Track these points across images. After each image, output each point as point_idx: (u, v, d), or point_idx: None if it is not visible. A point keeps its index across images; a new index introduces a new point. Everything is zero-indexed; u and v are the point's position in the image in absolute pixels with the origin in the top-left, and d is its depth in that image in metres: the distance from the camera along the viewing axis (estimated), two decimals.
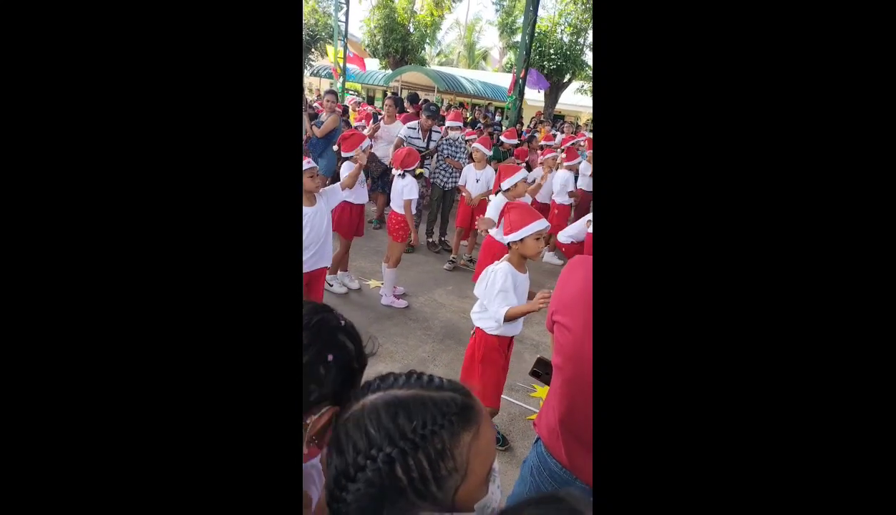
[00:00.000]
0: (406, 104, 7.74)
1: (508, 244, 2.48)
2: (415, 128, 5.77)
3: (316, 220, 3.18)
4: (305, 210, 3.15)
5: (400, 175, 4.34)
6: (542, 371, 1.66)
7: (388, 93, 6.61)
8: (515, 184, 3.93)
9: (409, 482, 0.58)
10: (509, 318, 2.37)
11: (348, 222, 4.28)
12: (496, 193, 4.12)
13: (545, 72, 17.61)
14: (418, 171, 4.46)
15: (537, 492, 1.16)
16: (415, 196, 4.28)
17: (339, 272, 4.51)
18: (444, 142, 5.84)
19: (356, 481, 0.59)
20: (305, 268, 3.22)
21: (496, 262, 2.55)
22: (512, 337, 2.61)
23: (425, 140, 5.79)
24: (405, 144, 5.46)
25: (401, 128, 5.89)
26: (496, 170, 4.76)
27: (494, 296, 2.41)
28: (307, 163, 3.16)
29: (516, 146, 7.06)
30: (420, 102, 5.92)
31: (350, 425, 0.62)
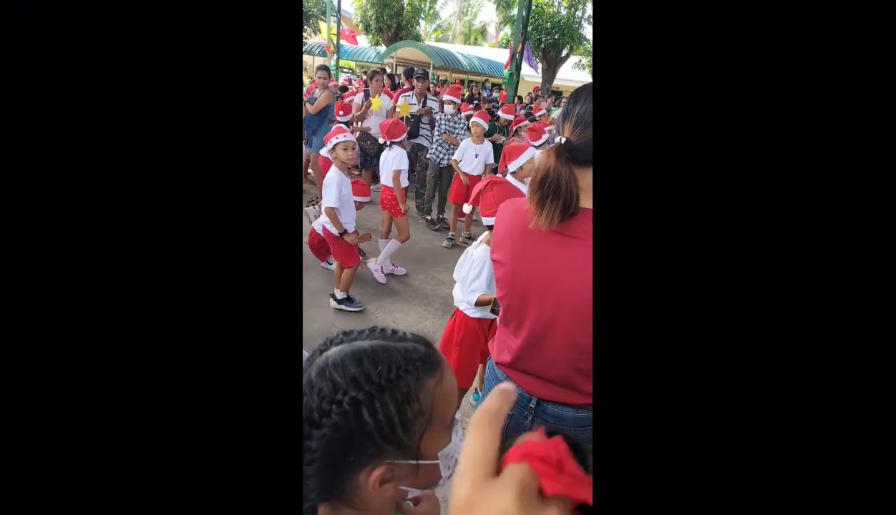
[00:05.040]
0: (403, 79, 7.73)
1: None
2: (409, 95, 5.80)
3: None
4: (342, 178, 3.45)
5: (388, 146, 4.29)
6: (497, 307, 1.84)
7: (387, 71, 6.65)
8: (522, 166, 3.75)
9: (375, 425, 0.59)
10: (480, 304, 2.35)
11: None
12: (502, 174, 4.00)
13: (542, 46, 17.42)
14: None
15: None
16: (404, 166, 4.23)
17: None
18: (443, 117, 5.80)
19: (321, 427, 0.59)
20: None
21: (473, 243, 2.48)
22: (493, 321, 2.44)
23: (420, 103, 5.84)
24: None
25: (389, 103, 5.96)
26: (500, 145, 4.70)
27: (465, 277, 2.37)
28: (344, 136, 3.42)
29: (512, 122, 6.99)
30: (414, 76, 6.04)
31: (313, 374, 0.63)
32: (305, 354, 0.75)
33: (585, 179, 1.09)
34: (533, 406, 1.27)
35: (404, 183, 4.35)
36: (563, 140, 1.08)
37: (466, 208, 3.58)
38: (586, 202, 1.09)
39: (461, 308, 2.45)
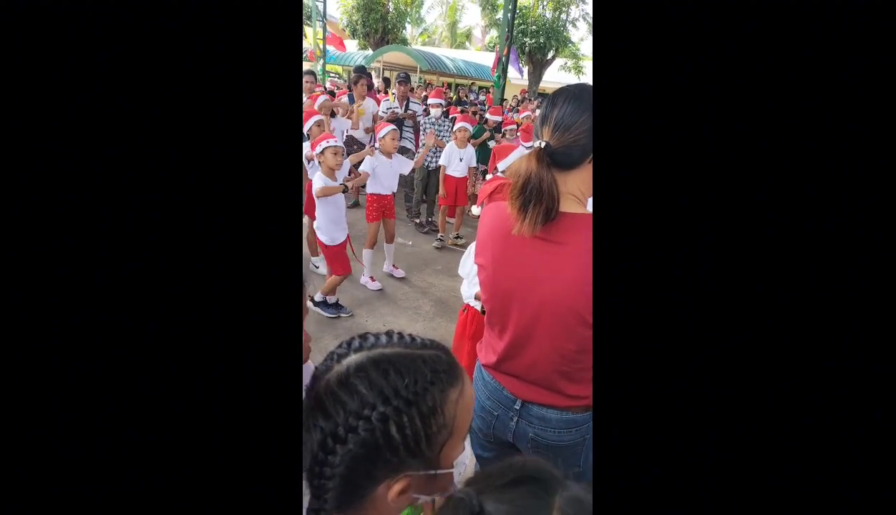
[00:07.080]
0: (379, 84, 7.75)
1: None
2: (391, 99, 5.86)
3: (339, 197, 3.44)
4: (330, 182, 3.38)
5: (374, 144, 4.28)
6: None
7: (371, 75, 6.71)
8: (510, 165, 3.78)
9: (402, 440, 0.58)
10: (479, 299, 2.34)
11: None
12: (493, 174, 4.01)
13: (528, 49, 17.51)
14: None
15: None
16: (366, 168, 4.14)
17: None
18: (427, 120, 5.79)
19: (346, 442, 0.57)
20: (341, 239, 3.51)
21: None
22: None
23: (402, 107, 5.86)
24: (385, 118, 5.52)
25: (373, 106, 5.98)
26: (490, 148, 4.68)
27: (469, 272, 2.37)
28: (334, 142, 3.36)
29: (500, 124, 7.00)
30: (397, 80, 6.12)
31: (336, 386, 0.59)
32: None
33: (566, 183, 1.09)
34: (518, 407, 1.26)
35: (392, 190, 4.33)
36: (543, 144, 1.07)
37: (475, 210, 3.58)
38: (567, 206, 1.09)
39: (471, 304, 2.44)
